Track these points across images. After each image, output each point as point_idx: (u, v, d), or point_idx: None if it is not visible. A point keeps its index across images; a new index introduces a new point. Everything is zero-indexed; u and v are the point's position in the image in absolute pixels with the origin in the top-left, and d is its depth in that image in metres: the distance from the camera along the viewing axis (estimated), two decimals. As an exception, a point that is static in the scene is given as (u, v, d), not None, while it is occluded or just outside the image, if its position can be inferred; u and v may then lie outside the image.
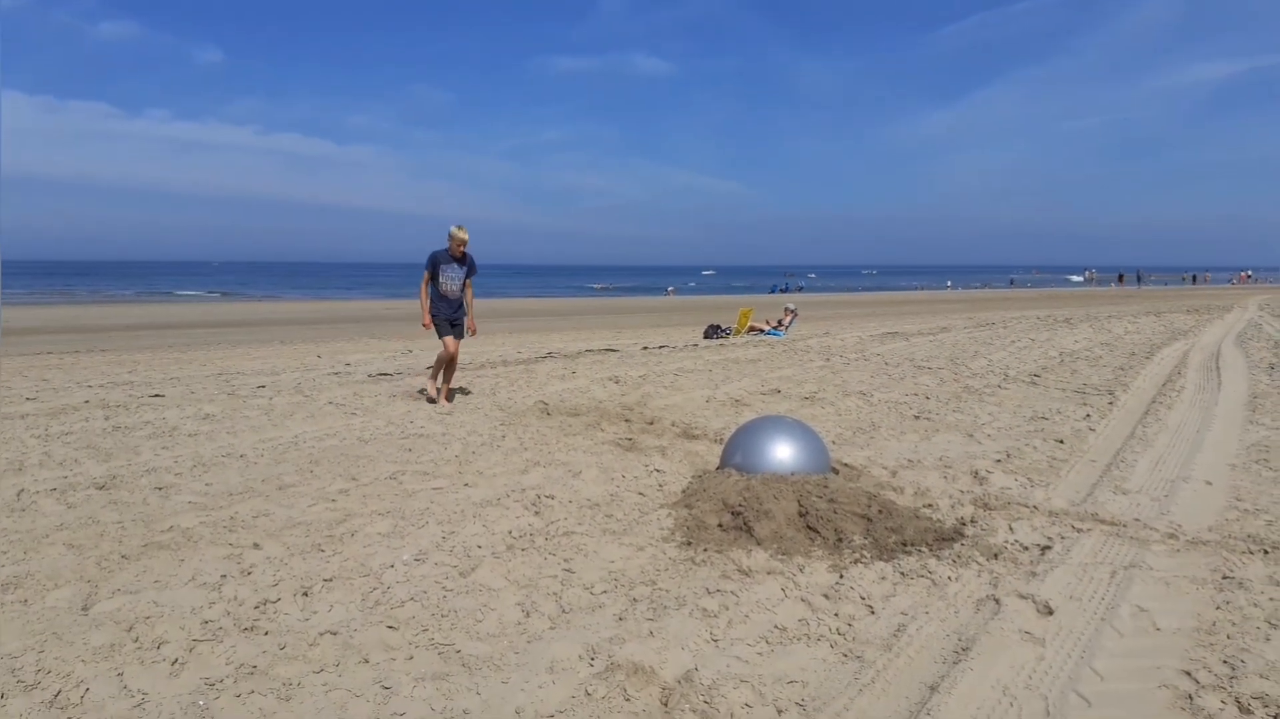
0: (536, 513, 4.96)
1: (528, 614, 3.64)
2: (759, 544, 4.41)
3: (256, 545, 4.42)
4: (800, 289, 69.95)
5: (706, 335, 19.18)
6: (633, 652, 3.26)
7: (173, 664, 3.17)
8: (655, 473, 5.84)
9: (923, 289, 70.27)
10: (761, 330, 19.44)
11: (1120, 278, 69.19)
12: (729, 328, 19.79)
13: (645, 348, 15.18)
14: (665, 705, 2.91)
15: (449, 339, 8.62)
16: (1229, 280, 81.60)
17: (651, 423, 7.62)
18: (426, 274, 8.57)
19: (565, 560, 4.23)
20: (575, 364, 12.28)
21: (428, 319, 8.62)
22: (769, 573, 4.10)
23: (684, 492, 5.34)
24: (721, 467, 5.49)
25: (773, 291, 63.71)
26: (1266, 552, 4.43)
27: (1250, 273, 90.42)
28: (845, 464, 6.07)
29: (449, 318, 8.68)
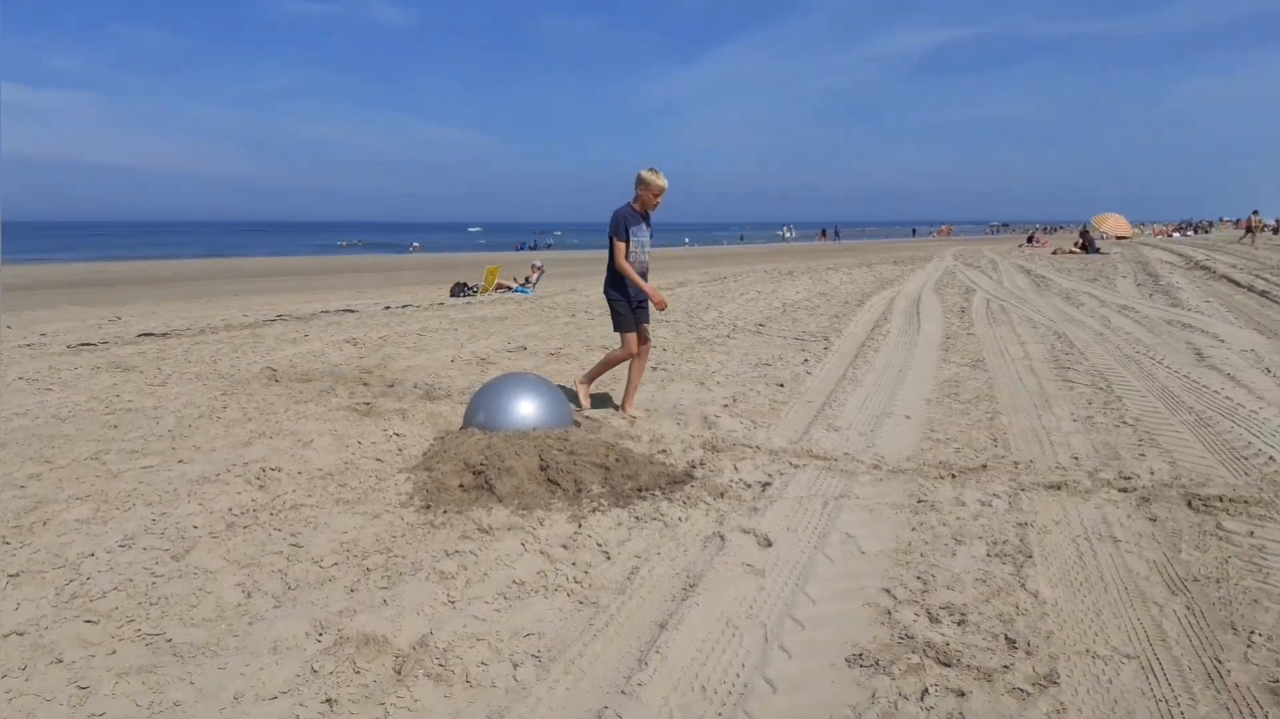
0: (261, 487, 4.68)
1: (249, 595, 3.43)
2: (500, 501, 4.41)
3: (-77, 546, 3.87)
4: (549, 246, 70.23)
5: (453, 294, 18.84)
6: (365, 623, 3.17)
7: None
8: (394, 437, 5.67)
9: (664, 246, 72.65)
10: (509, 288, 19.36)
11: (823, 233, 74.78)
12: (476, 286, 19.54)
13: (387, 308, 14.66)
14: (398, 674, 2.85)
15: (643, 329, 6.49)
16: (930, 234, 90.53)
17: (392, 385, 7.39)
18: (620, 243, 6.15)
19: (292, 535, 4.02)
20: (308, 326, 11.67)
21: (658, 294, 6.30)
22: (510, 529, 4.11)
23: (425, 454, 5.23)
24: (465, 427, 5.42)
25: (520, 249, 63.51)
26: (954, 476, 4.97)
27: (950, 227, 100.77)
28: (587, 416, 6.19)
29: (639, 299, 6.43)
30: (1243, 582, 3.55)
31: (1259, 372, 8.04)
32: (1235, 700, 2.71)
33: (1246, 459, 5.24)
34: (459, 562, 3.74)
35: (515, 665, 2.92)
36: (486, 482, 4.56)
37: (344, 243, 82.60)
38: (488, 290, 19.21)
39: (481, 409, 5.34)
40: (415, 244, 71.38)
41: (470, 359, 9.01)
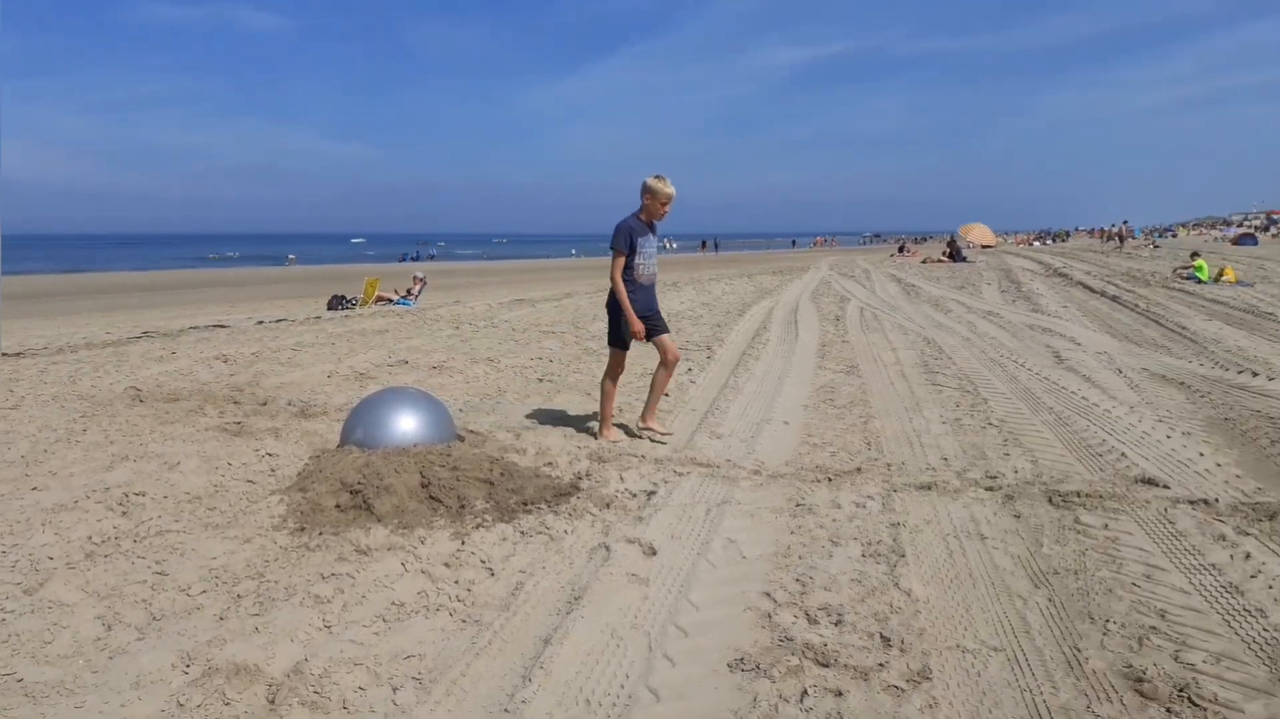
0: (124, 513, 4.43)
1: (109, 628, 3.25)
2: (379, 521, 4.30)
3: None
4: (432, 257, 69.14)
5: (331, 307, 18.33)
6: (235, 652, 3.04)
7: None
8: (267, 457, 5.47)
9: (551, 257, 72.48)
10: (390, 300, 18.95)
11: (703, 244, 76.16)
12: (355, 298, 19.06)
13: (261, 322, 14.16)
14: (271, 703, 2.74)
15: (662, 340, 6.05)
16: (809, 245, 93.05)
17: (265, 403, 7.13)
18: (621, 255, 5.84)
19: (157, 563, 3.83)
20: (176, 343, 11.16)
21: (638, 323, 5.87)
22: (389, 549, 4.00)
23: (299, 474, 5.05)
24: (342, 445, 5.27)
25: (403, 260, 62.32)
26: (830, 479, 5.11)
27: (825, 238, 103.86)
28: (471, 430, 6.09)
29: (648, 311, 6.02)
30: (1099, 573, 3.76)
31: (1112, 372, 8.55)
32: (1093, 687, 2.85)
33: (1101, 456, 5.55)
34: (335, 585, 3.63)
35: (395, 689, 2.85)
36: (365, 501, 4.44)
37: (215, 255, 79.19)
38: (367, 303, 18.77)
39: (359, 426, 5.21)
40: (291, 256, 69.18)
41: (348, 374, 8.78)
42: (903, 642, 3.13)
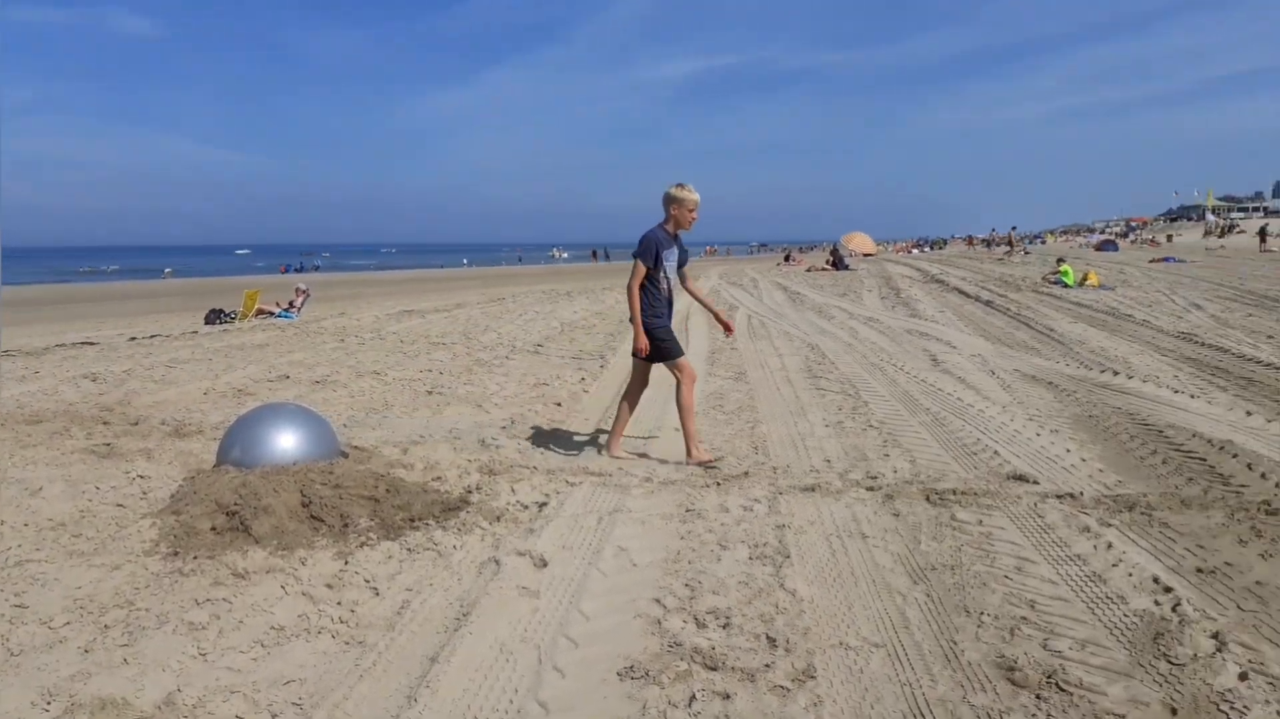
0: (-23, 544, 4.16)
1: (-40, 667, 3.04)
2: (257, 543, 4.15)
3: None
4: (317, 268, 67.30)
5: (208, 321, 17.62)
6: (101, 685, 2.88)
7: None
8: (138, 480, 5.22)
9: (443, 267, 71.47)
10: (271, 313, 18.35)
11: (594, 254, 76.49)
12: (234, 312, 18.39)
13: (133, 339, 13.52)
14: (140, 738, 2.62)
15: (683, 363, 5.82)
16: (699, 254, 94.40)
17: (136, 423, 6.80)
18: (643, 267, 5.64)
19: (16, 595, 3.60)
20: (40, 362, 10.55)
21: (644, 339, 5.67)
22: (268, 572, 3.87)
23: (172, 497, 4.83)
24: (218, 464, 5.07)
25: (285, 271, 60.45)
26: (719, 484, 5.18)
27: (714, 247, 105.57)
28: (356, 446, 5.94)
29: (667, 327, 5.82)
30: (973, 567, 3.91)
31: (985, 374, 8.94)
32: (969, 678, 2.96)
33: (976, 454, 5.79)
34: (210, 610, 3.48)
35: (274, 716, 2.75)
36: (242, 522, 4.28)
37: (87, 269, 75.06)
38: (246, 317, 18.12)
39: (236, 444, 5.02)
40: (168, 269, 66.28)
41: (226, 391, 8.46)
42: (788, 642, 3.19)
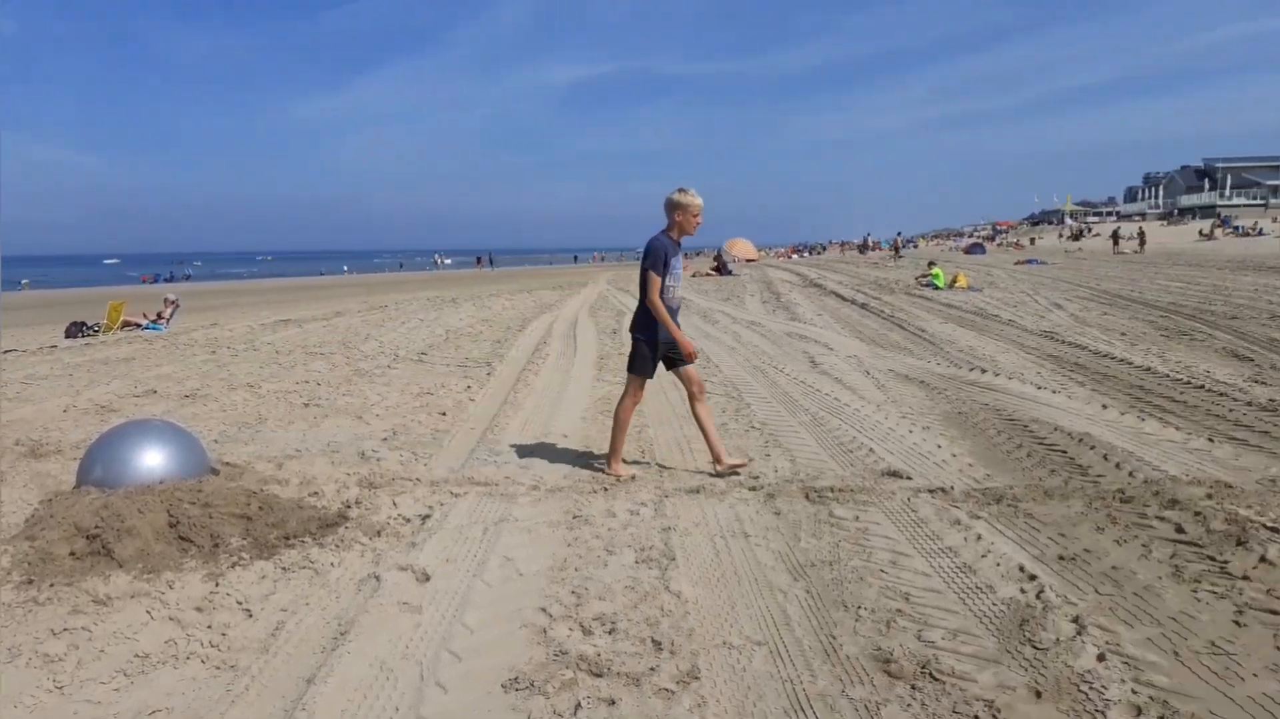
0: None
1: None
2: (121, 567, 3.93)
3: None
4: (188, 277, 64.47)
5: (69, 334, 16.65)
6: (-58, 728, 2.69)
7: None
8: (-13, 504, 4.89)
9: (322, 275, 69.43)
10: (138, 325, 17.47)
11: (478, 260, 75.86)
12: (97, 324, 17.43)
13: (-19, 355, 12.66)
14: (-14, 782, 2.44)
15: (687, 372, 5.66)
16: (589, 260, 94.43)
17: (-15, 445, 6.37)
18: (656, 278, 5.42)
19: None
20: (-126, 382, 9.77)
21: (689, 343, 5.56)
22: (132, 597, 3.68)
23: (27, 521, 4.54)
24: (79, 485, 4.78)
25: (156, 281, 57.69)
26: (606, 489, 5.19)
27: (603, 253, 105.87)
28: (227, 463, 5.70)
29: (669, 341, 5.58)
30: (851, 562, 4.02)
31: (861, 374, 9.22)
32: (847, 671, 3.05)
33: (852, 452, 5.97)
34: (69, 640, 3.29)
35: (137, 750, 2.61)
36: (104, 546, 4.05)
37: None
38: (111, 329, 17.21)
39: (98, 464, 4.75)
40: (25, 280, 62.34)
41: (88, 408, 8.02)
42: (673, 644, 3.22)
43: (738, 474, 5.50)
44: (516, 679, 2.98)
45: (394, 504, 4.92)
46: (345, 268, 79.76)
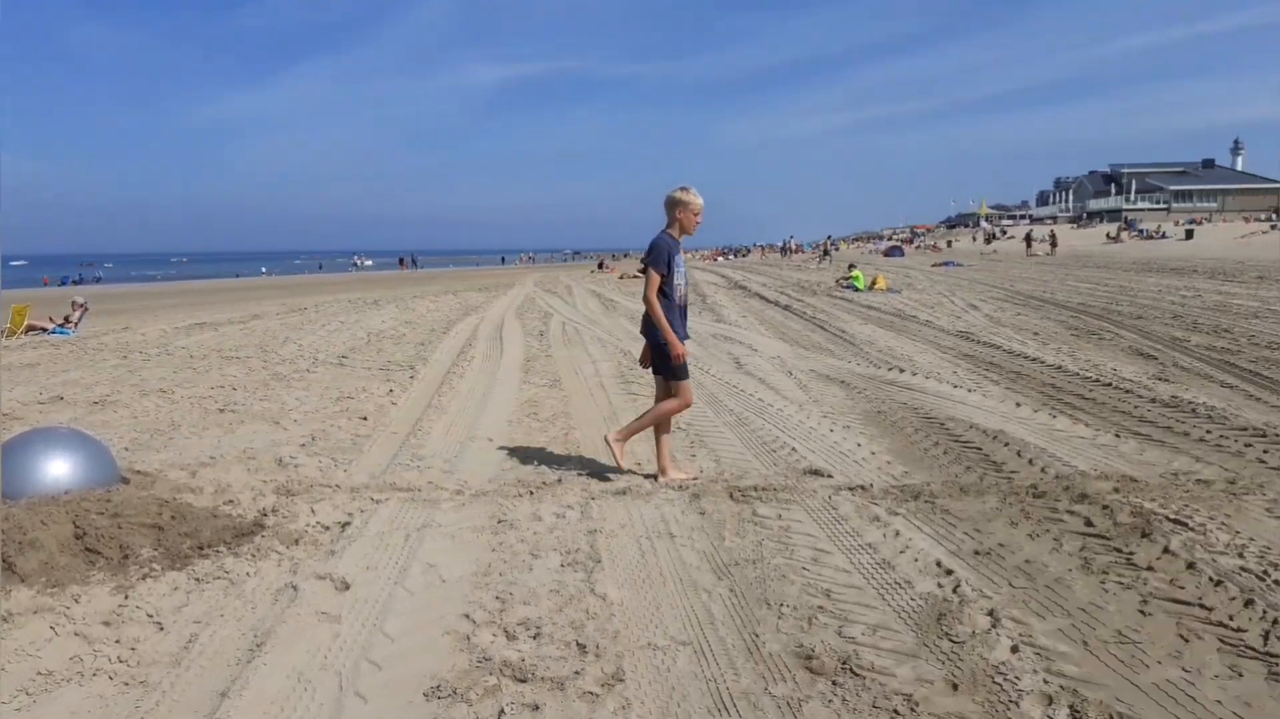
0: None
1: None
2: (23, 581, 3.77)
3: None
4: (97, 280, 62.17)
5: (-34, 340, 15.91)
6: None
7: None
8: (-126, 519, 4.63)
9: (239, 277, 67.59)
10: (44, 329, 16.78)
11: (401, 261, 74.86)
12: (0, 329, 16.69)
13: None
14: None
15: (687, 386, 5.53)
16: (516, 261, 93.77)
17: (-127, 456, 6.04)
18: (658, 275, 5.34)
19: None
20: None
21: (679, 345, 5.37)
22: (35, 612, 3.53)
23: (-81, 536, 4.33)
24: (-24, 497, 4.57)
25: (64, 284, 55.49)
26: (532, 493, 5.15)
27: (530, 254, 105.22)
28: (138, 471, 5.51)
29: (683, 338, 5.49)
30: (774, 560, 4.07)
31: (784, 374, 9.35)
32: (770, 669, 3.08)
33: (775, 451, 6.04)
34: (-35, 661, 3.14)
35: (39, 772, 2.51)
36: (4, 560, 3.87)
37: None
38: (15, 334, 16.49)
39: (-3, 475, 4.55)
40: (-84, 284, 59.33)
41: (-12, 416, 7.66)
42: (598, 647, 3.21)
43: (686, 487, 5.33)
44: (438, 687, 2.94)
45: (312, 512, 4.82)
46: (264, 269, 77.78)
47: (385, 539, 4.41)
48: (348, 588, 3.79)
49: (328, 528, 4.59)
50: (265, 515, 4.71)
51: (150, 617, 3.52)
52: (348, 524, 4.62)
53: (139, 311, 22.88)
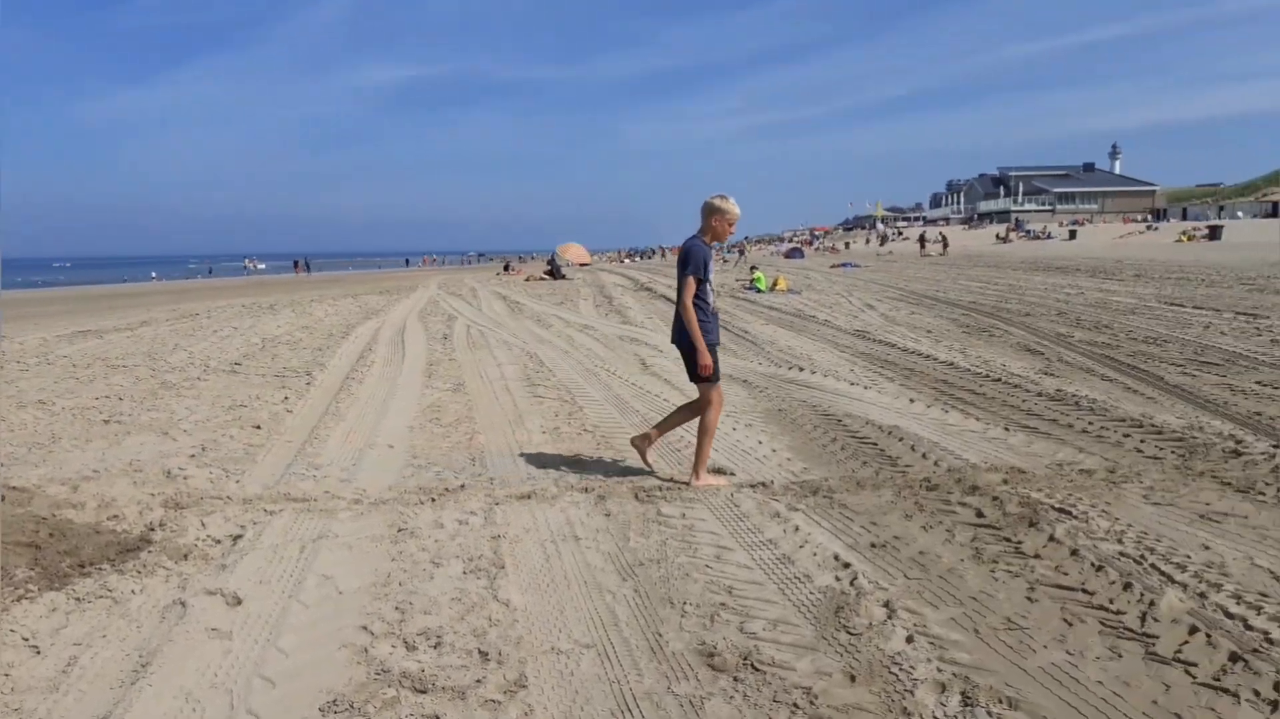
0: None
1: None
2: (-119, 608, 3.54)
3: None
4: (-33, 287, 58.68)
5: None
6: None
7: None
8: None
9: (126, 282, 64.71)
10: (-94, 340, 15.77)
11: (295, 264, 73.14)
12: None
13: None
14: None
15: (720, 390, 5.51)
16: (419, 263, 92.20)
17: None
18: (693, 281, 5.26)
19: None
20: None
21: (708, 356, 5.25)
22: (-105, 641, 3.31)
23: None
24: None
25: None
26: (434, 499, 5.07)
27: (433, 257, 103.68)
28: (14, 487, 5.23)
29: (717, 344, 5.45)
30: (678, 559, 4.10)
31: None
32: (673, 668, 3.10)
33: (679, 450, 6.09)
34: None
35: (-102, 812, 2.35)
36: None
37: None
38: (-125, 344, 15.45)
39: None
40: None
41: None
42: (500, 653, 3.18)
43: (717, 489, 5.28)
44: (335, 702, 2.87)
45: (202, 525, 4.64)
46: (153, 274, 74.65)
47: (279, 551, 4.28)
48: (240, 603, 3.66)
49: (219, 541, 4.43)
50: (152, 530, 4.52)
51: (26, 640, 3.34)
52: (240, 537, 4.47)
53: (17, 319, 21.69)
